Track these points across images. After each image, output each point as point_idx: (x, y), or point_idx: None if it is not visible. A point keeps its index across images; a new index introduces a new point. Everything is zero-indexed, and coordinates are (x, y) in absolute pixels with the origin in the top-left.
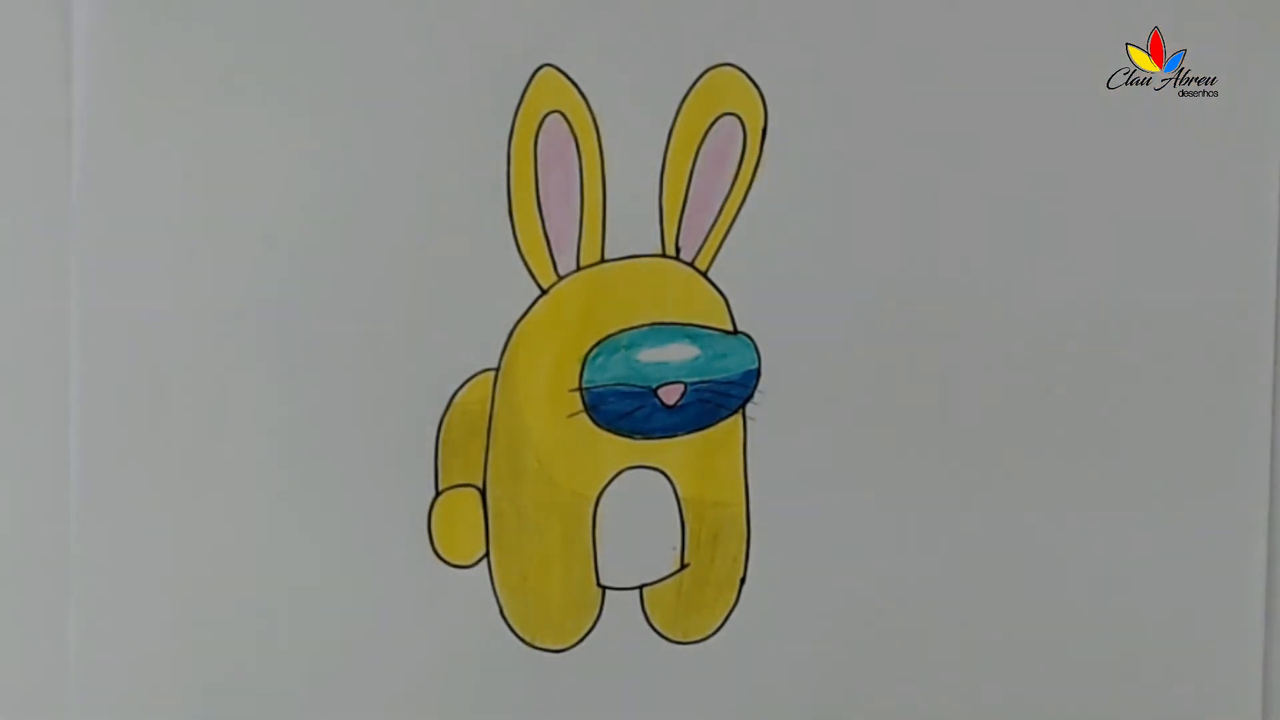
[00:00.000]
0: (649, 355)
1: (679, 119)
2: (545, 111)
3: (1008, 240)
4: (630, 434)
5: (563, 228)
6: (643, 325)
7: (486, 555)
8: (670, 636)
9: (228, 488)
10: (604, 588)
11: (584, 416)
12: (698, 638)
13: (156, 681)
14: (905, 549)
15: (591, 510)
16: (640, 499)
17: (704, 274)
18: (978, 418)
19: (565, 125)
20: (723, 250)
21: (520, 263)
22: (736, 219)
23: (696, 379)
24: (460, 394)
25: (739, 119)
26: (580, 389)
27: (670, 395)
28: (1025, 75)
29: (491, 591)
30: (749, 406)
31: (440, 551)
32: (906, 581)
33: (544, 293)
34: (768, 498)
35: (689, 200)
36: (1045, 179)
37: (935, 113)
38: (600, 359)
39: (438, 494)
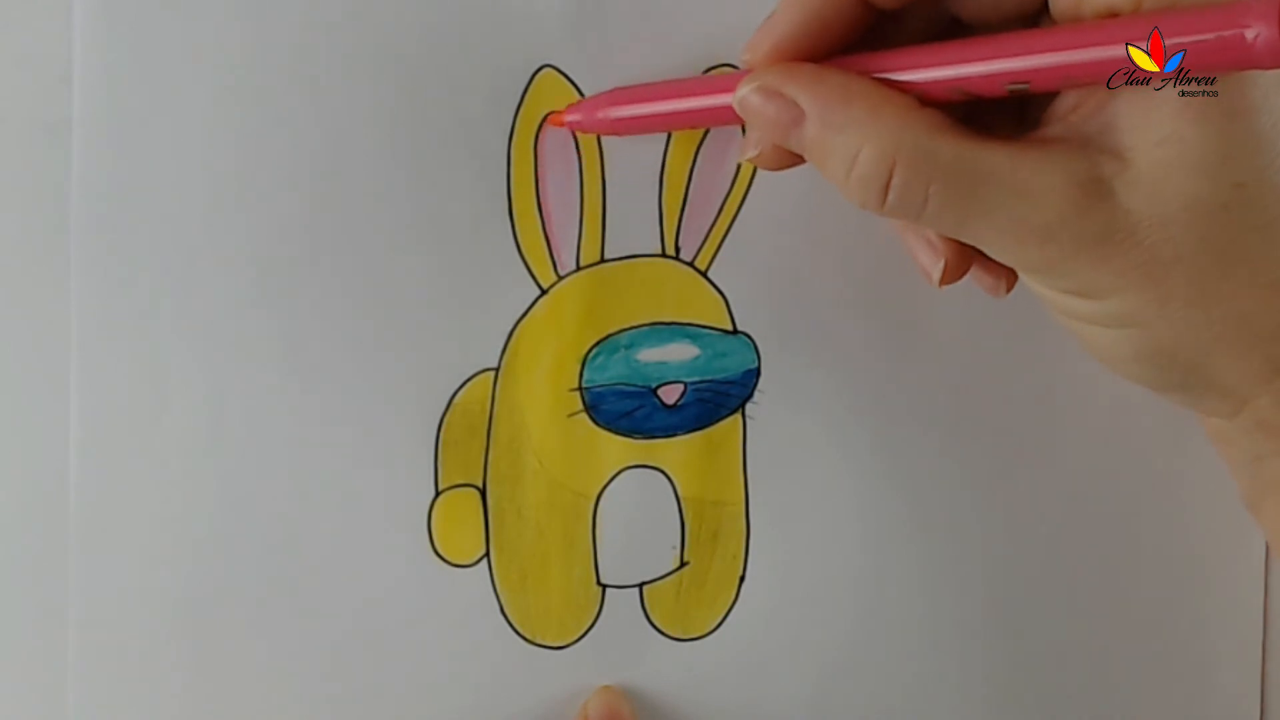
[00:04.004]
0: (649, 355)
1: None
2: (545, 112)
3: None
4: (630, 434)
5: (563, 227)
6: (643, 325)
7: (487, 554)
8: (670, 633)
9: (226, 488)
10: (604, 586)
11: (584, 416)
12: (697, 634)
13: (157, 681)
14: (905, 548)
15: (592, 509)
16: (640, 498)
17: (704, 274)
18: (978, 416)
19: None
20: (723, 250)
21: (520, 262)
22: (736, 219)
23: (696, 379)
24: (460, 394)
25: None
26: (580, 389)
27: (670, 395)
28: None
29: (492, 590)
30: (749, 406)
31: (440, 551)
32: (906, 580)
33: (544, 293)
34: (768, 497)
35: (689, 200)
36: None
37: None
38: (600, 359)
39: (438, 494)
